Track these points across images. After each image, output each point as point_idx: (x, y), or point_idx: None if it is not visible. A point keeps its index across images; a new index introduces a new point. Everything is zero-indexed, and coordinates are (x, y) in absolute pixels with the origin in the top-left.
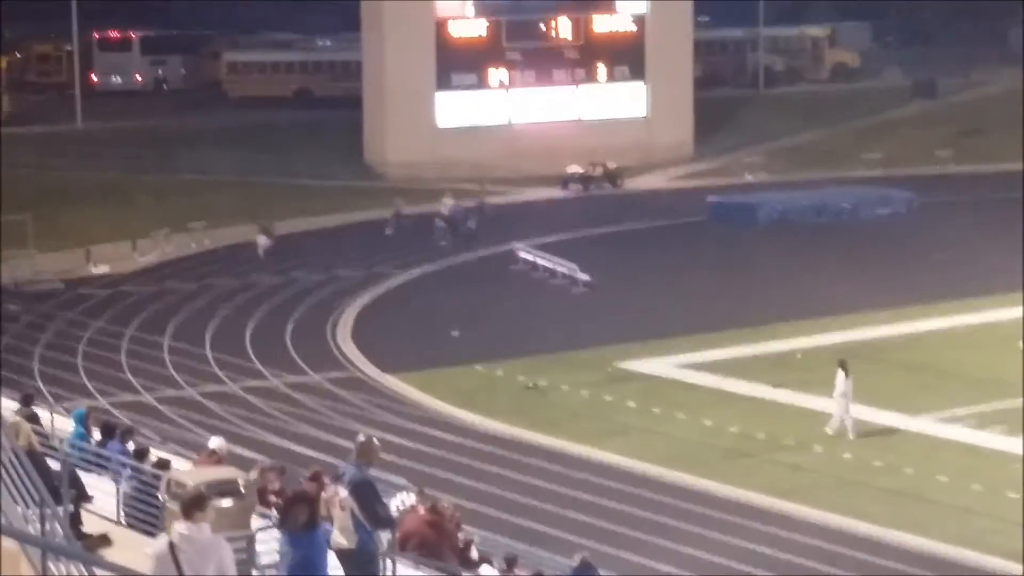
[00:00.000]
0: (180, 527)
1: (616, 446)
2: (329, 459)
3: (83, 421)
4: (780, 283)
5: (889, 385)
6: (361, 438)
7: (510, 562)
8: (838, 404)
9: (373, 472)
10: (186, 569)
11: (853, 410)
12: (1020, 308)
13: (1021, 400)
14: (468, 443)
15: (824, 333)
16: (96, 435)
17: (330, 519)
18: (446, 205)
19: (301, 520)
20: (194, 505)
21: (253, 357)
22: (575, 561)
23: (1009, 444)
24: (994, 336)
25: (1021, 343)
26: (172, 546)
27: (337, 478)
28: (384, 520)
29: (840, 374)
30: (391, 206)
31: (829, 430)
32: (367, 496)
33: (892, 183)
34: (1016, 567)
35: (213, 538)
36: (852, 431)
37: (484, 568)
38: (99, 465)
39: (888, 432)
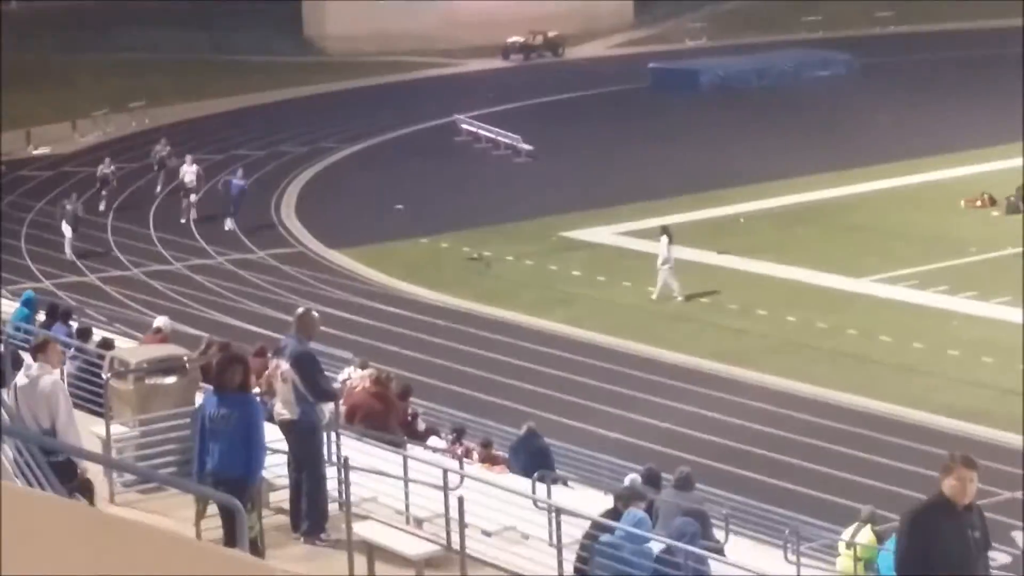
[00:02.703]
0: (25, 370)
1: (562, 315)
2: (275, 335)
3: (31, 304)
4: (722, 148)
5: (832, 247)
6: (300, 310)
7: (458, 433)
8: (662, 271)
9: (317, 346)
10: (21, 403)
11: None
12: (960, 168)
13: (961, 260)
14: (414, 316)
15: (767, 198)
16: (40, 317)
17: (272, 393)
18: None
19: (236, 380)
20: (38, 349)
21: (197, 235)
22: (522, 430)
23: (950, 303)
24: (936, 196)
25: (963, 202)
26: (15, 386)
27: (278, 351)
28: (325, 392)
29: (663, 239)
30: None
31: (654, 295)
32: (308, 367)
33: (833, 46)
34: (957, 423)
35: (46, 376)
36: (679, 292)
37: (431, 439)
38: None
39: (831, 293)
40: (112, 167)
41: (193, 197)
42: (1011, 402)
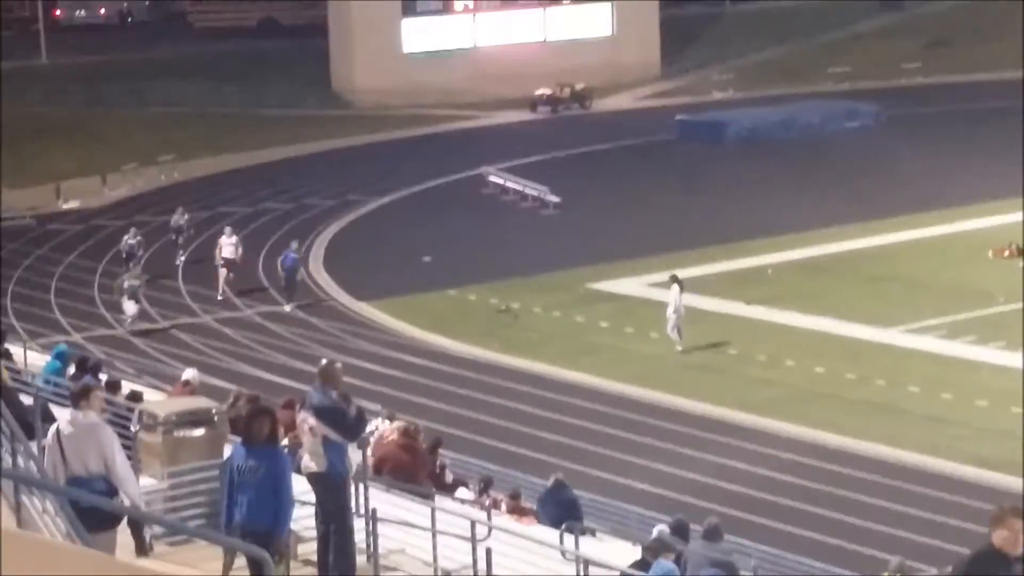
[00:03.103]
0: (65, 415)
1: (589, 366)
2: (303, 387)
3: (63, 357)
4: (749, 200)
5: (859, 298)
6: (323, 362)
7: (485, 484)
8: (671, 318)
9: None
10: (68, 449)
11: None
12: (987, 219)
13: (989, 311)
14: (442, 367)
15: (794, 249)
16: (71, 370)
17: (300, 445)
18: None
19: (264, 432)
20: (80, 396)
21: (226, 289)
22: (550, 481)
23: (978, 353)
24: (962, 247)
25: (991, 252)
26: (58, 432)
27: (304, 404)
28: (353, 429)
29: (675, 288)
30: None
31: (679, 347)
32: (332, 416)
33: (859, 97)
34: (985, 473)
35: (96, 422)
36: (680, 342)
37: (459, 491)
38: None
39: (859, 344)
40: (186, 216)
41: (230, 274)
42: None
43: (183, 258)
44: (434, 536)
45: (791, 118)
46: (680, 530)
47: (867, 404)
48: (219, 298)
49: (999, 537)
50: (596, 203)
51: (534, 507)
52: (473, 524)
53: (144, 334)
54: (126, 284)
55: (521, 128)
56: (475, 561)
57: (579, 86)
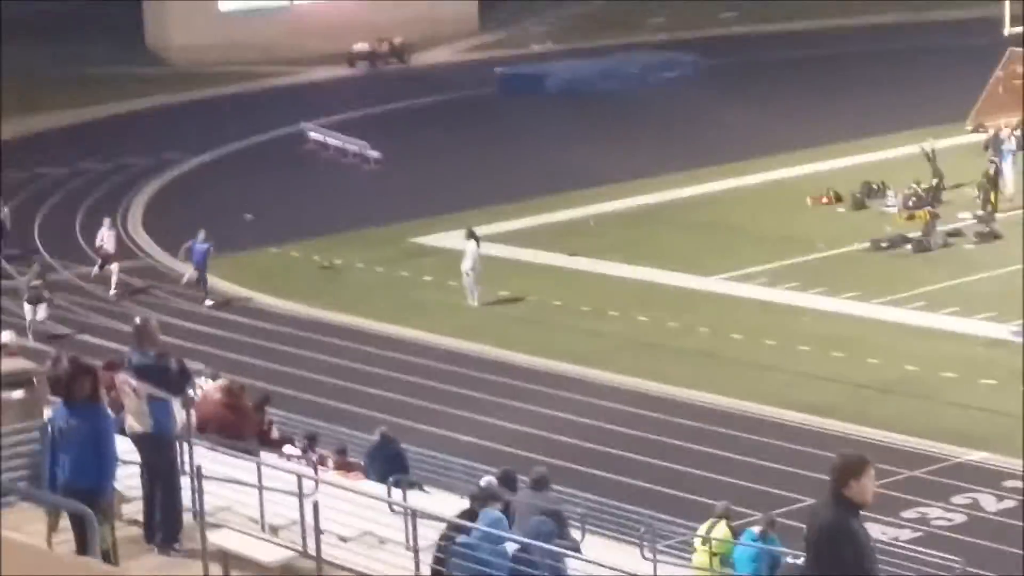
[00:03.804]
0: None
1: (414, 321)
2: (124, 348)
3: None
4: (570, 152)
5: (681, 246)
6: (137, 320)
7: (311, 440)
8: (469, 276)
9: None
10: None
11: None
12: (805, 166)
13: (809, 257)
14: (266, 326)
15: (615, 199)
16: None
17: (122, 407)
18: None
19: (85, 390)
20: None
21: (42, 250)
22: (376, 436)
23: (800, 299)
24: (782, 194)
25: (809, 199)
26: None
27: (122, 365)
28: (177, 384)
29: (471, 244)
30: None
31: (474, 302)
32: (155, 373)
33: (677, 47)
34: (809, 418)
35: None
36: (476, 299)
37: (286, 448)
38: None
39: (681, 292)
40: (5, 209)
41: (115, 267)
42: (861, 396)
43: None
44: (261, 492)
45: (610, 69)
46: (507, 481)
47: (692, 352)
48: (112, 294)
49: (855, 488)
50: (417, 158)
51: (361, 462)
52: (300, 479)
53: None
54: (30, 285)
55: (340, 84)
56: (303, 516)
57: (397, 40)
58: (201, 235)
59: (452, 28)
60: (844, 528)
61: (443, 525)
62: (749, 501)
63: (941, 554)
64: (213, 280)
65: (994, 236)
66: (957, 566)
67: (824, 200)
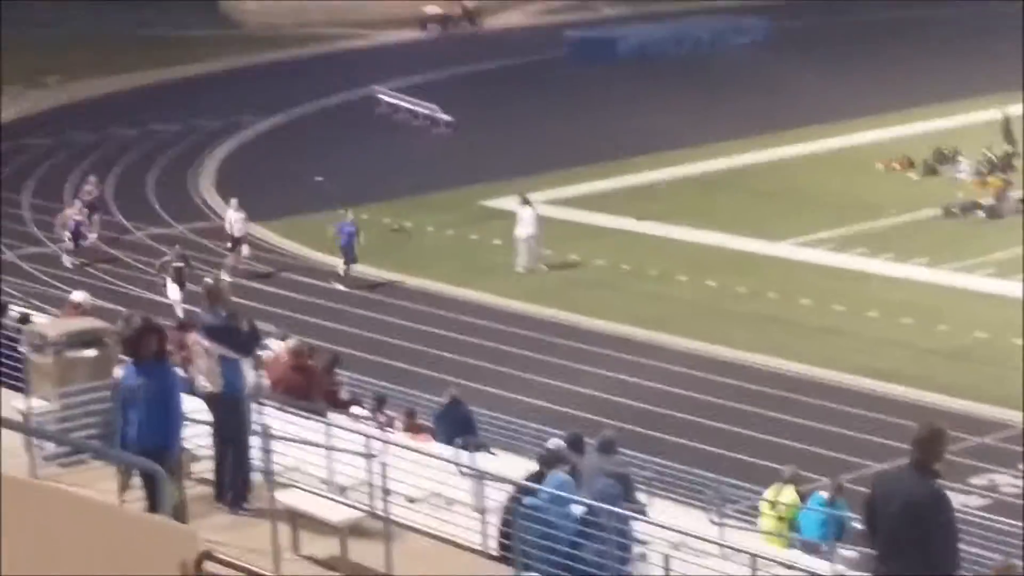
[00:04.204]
0: None
1: (484, 284)
2: (196, 309)
3: None
4: (640, 117)
5: (750, 211)
6: (208, 281)
7: (380, 401)
8: (526, 242)
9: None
10: None
11: None
12: (876, 131)
13: (879, 223)
14: (336, 287)
15: (686, 164)
16: None
17: (193, 366)
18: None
19: (152, 348)
20: None
21: (116, 211)
22: (445, 398)
23: (868, 265)
24: (852, 160)
25: (880, 164)
26: None
27: (194, 325)
28: (247, 344)
29: (528, 210)
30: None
31: (520, 268)
32: (225, 333)
33: (750, 11)
34: (876, 384)
35: None
36: (529, 265)
37: (354, 409)
38: None
39: (750, 257)
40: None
41: (245, 249)
42: (929, 362)
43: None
44: (329, 453)
45: (681, 34)
46: (575, 444)
47: (760, 317)
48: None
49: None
50: (488, 122)
51: (430, 425)
52: (368, 440)
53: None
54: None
55: (411, 47)
56: (371, 476)
57: (469, 3)
58: (350, 216)
59: None
60: (942, 498)
61: (510, 487)
62: (816, 466)
63: (1012, 521)
64: (282, 241)
65: None
66: None
67: (895, 166)
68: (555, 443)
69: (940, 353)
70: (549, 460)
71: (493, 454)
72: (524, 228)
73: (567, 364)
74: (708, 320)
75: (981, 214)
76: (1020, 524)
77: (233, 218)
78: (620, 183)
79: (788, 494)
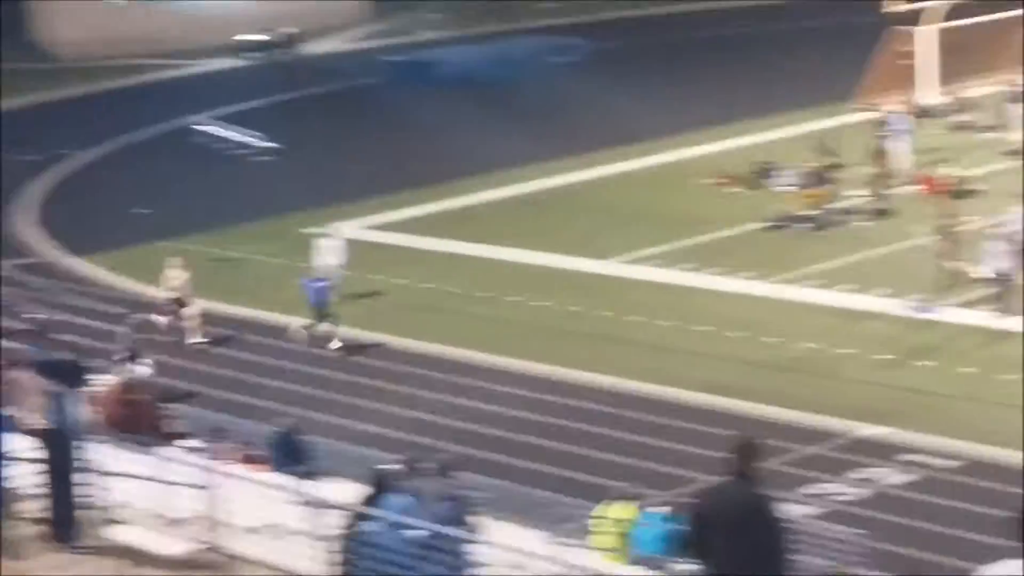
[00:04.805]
0: None
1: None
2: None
3: None
4: (463, 139)
5: (578, 230)
6: (36, 317)
7: (215, 433)
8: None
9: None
10: None
11: None
12: (700, 147)
13: (706, 237)
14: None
15: (509, 185)
16: None
17: (18, 402)
18: None
19: None
20: None
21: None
22: (281, 428)
23: (697, 280)
24: (677, 176)
25: (705, 179)
26: None
27: (20, 362)
28: (73, 378)
29: (335, 243)
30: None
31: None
32: (51, 368)
33: (567, 32)
34: (709, 398)
35: None
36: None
37: (188, 441)
38: None
39: (580, 277)
40: None
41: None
42: (758, 374)
43: None
44: (162, 486)
45: (499, 56)
46: (413, 468)
47: (591, 335)
48: (195, 342)
49: (760, 465)
50: (310, 148)
51: (266, 455)
52: (203, 472)
53: None
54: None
55: (230, 75)
56: (206, 510)
57: (287, 30)
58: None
59: (342, 17)
60: (767, 503)
61: (348, 514)
62: (651, 481)
63: (844, 528)
64: (104, 274)
65: (887, 212)
66: (858, 540)
67: (719, 181)
68: (389, 467)
69: (769, 365)
70: (380, 482)
71: (331, 482)
72: (329, 259)
73: (401, 389)
74: (539, 340)
75: (804, 226)
76: (851, 532)
77: (170, 276)
78: (446, 206)
79: (624, 511)
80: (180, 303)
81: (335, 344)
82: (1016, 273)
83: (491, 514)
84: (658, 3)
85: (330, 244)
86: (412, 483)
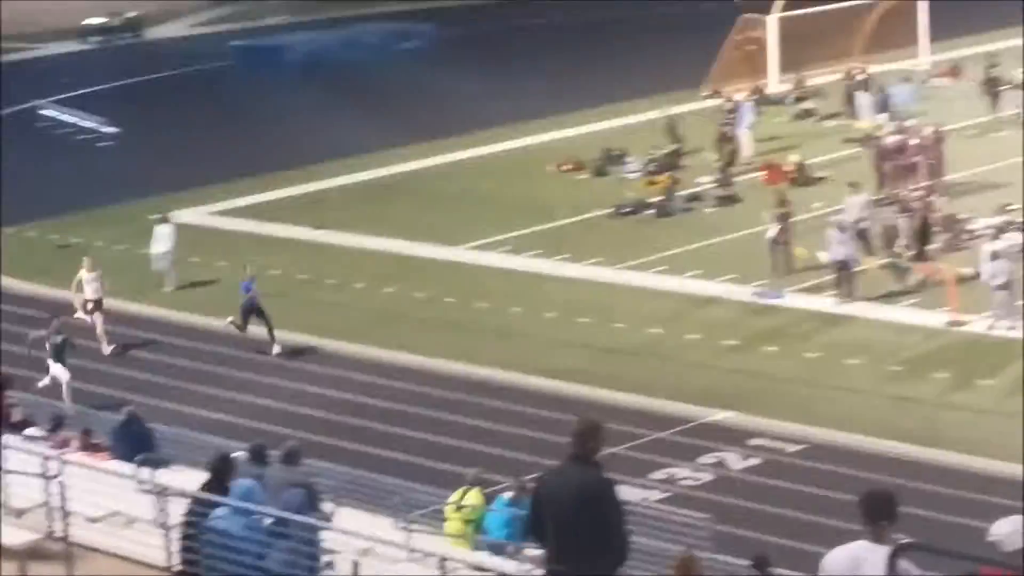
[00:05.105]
0: None
1: (159, 298)
2: None
3: None
4: (311, 124)
5: (426, 217)
6: None
7: (56, 422)
8: (163, 260)
9: None
10: None
11: None
12: (545, 134)
13: (552, 224)
14: (6, 307)
15: (358, 171)
16: None
17: None
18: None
19: None
20: None
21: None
22: (122, 415)
23: (544, 266)
24: (524, 162)
25: (551, 166)
26: None
27: None
28: None
29: (166, 228)
30: None
31: (167, 288)
32: None
33: (415, 18)
34: (556, 384)
35: None
36: (172, 284)
37: (28, 430)
38: None
39: (427, 263)
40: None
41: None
42: (607, 360)
43: None
44: (2, 475)
45: (348, 41)
46: (258, 455)
47: (439, 322)
48: (108, 351)
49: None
50: (155, 134)
51: (108, 443)
52: (44, 460)
53: None
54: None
55: (73, 59)
56: (48, 498)
57: (130, 14)
58: (248, 271)
59: (186, 2)
60: (605, 486)
61: (192, 502)
62: (500, 468)
63: (689, 512)
64: None
65: (733, 199)
66: (705, 524)
67: (566, 167)
68: (238, 456)
69: (617, 351)
70: (224, 469)
71: (175, 469)
72: (158, 245)
73: (247, 377)
74: (388, 327)
75: (651, 212)
76: (700, 516)
77: (86, 279)
78: (295, 191)
79: (473, 496)
80: (98, 305)
81: (276, 349)
82: (854, 260)
83: (340, 501)
84: None
85: (161, 231)
86: (257, 470)
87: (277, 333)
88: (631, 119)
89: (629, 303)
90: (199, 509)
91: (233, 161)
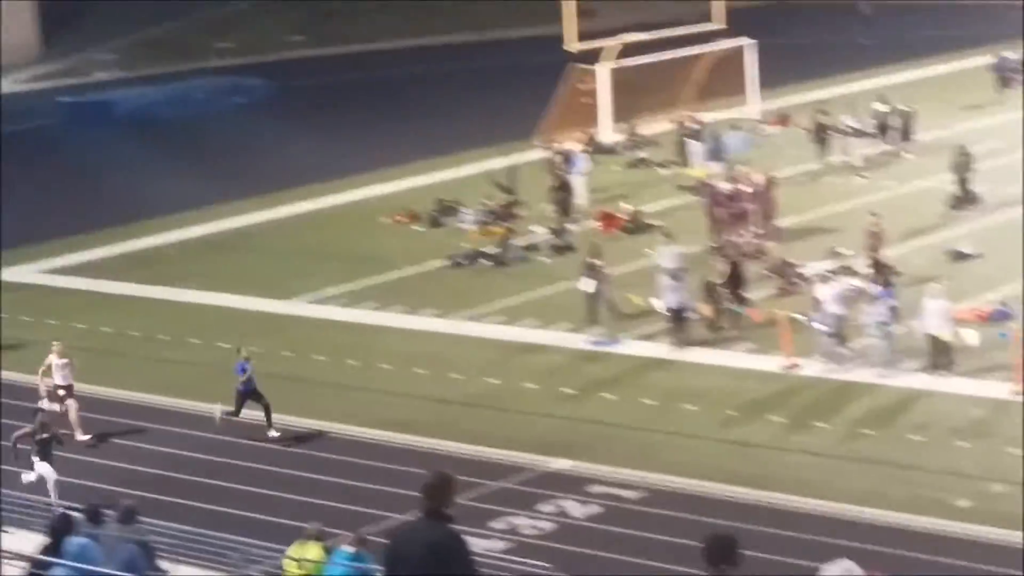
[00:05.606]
0: None
1: (8, 360)
2: None
3: None
4: (142, 180)
5: (261, 271)
6: None
7: None
8: None
9: None
10: None
11: None
12: (378, 186)
13: (388, 276)
14: None
15: (190, 226)
16: None
17: None
18: None
19: None
20: None
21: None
22: None
23: (380, 318)
24: (357, 216)
25: (386, 218)
26: None
27: None
28: None
29: None
30: None
31: None
32: None
33: (247, 72)
34: (392, 435)
35: None
36: None
37: None
38: None
39: (263, 317)
40: None
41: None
42: (444, 411)
43: None
44: None
45: (178, 96)
46: (93, 515)
47: (275, 376)
48: (87, 441)
49: (452, 503)
50: None
51: None
52: None
53: None
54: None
55: None
56: None
57: None
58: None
59: (12, 57)
60: (458, 540)
61: (26, 564)
62: (340, 521)
63: (533, 562)
64: None
65: (568, 248)
66: (548, 573)
67: (400, 219)
68: (71, 515)
69: (454, 401)
70: (59, 529)
71: (7, 532)
72: None
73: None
74: (223, 382)
75: (486, 263)
76: (544, 566)
77: (55, 364)
78: (127, 248)
79: (313, 550)
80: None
81: (273, 433)
82: (688, 307)
83: (177, 558)
84: (339, 44)
85: None
86: (93, 529)
87: (112, 392)
88: (464, 170)
89: (465, 353)
90: (36, 572)
91: (64, 218)
